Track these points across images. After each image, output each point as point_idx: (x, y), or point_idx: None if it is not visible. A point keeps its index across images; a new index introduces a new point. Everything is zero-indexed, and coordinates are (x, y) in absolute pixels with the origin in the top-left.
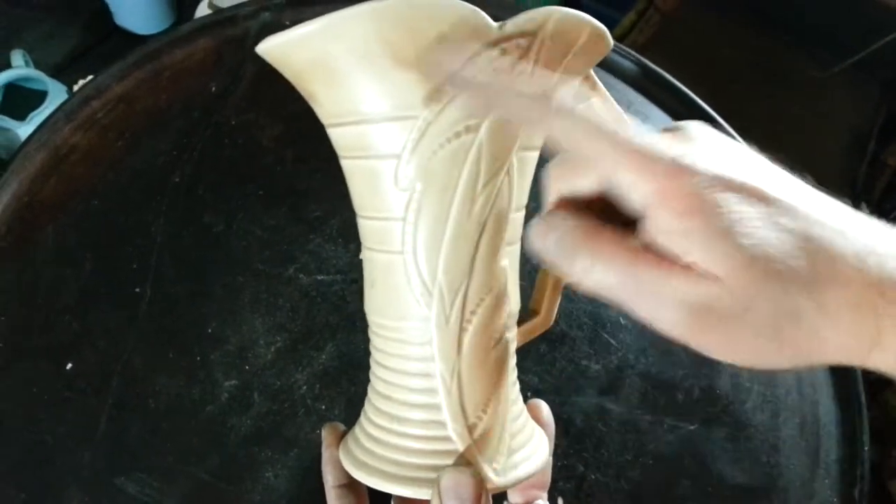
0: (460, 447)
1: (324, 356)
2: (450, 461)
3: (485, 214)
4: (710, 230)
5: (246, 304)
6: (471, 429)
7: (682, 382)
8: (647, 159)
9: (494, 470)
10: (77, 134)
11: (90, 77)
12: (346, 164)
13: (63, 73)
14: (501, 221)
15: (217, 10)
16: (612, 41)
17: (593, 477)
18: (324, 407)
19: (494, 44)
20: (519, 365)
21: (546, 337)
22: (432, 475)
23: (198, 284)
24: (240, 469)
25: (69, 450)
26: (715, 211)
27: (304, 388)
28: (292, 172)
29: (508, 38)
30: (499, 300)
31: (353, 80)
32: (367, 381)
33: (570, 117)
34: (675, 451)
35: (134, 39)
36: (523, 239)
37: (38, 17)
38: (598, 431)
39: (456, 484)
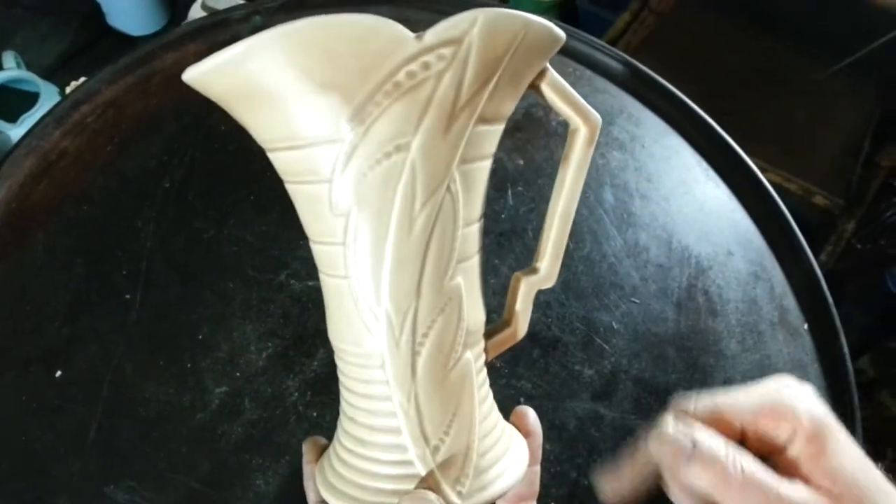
0: (422, 472)
1: (315, 363)
2: (412, 486)
3: (427, 235)
4: None
5: (237, 311)
6: (433, 452)
7: (675, 387)
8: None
9: (459, 493)
10: (67, 139)
11: (82, 79)
12: (288, 188)
13: (55, 74)
14: (448, 240)
15: (209, 14)
16: (560, 33)
17: (586, 483)
18: (315, 414)
19: (415, 57)
20: (511, 371)
21: (539, 342)
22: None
23: (188, 290)
24: (230, 476)
25: (59, 458)
26: None
27: (296, 394)
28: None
29: (429, 49)
30: (453, 320)
31: (274, 106)
32: None
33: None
34: None
35: (127, 41)
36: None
37: (31, 18)
38: (591, 437)
39: None
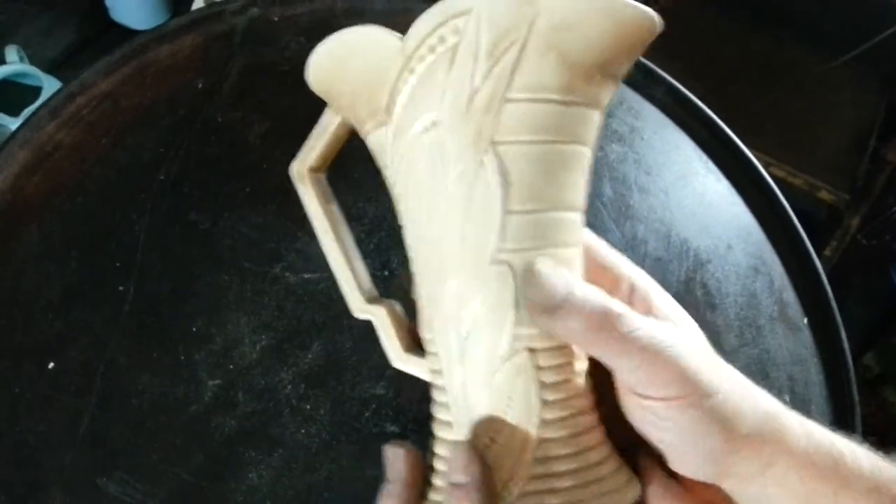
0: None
1: (310, 355)
2: None
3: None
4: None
5: (231, 303)
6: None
7: None
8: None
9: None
10: (62, 131)
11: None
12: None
13: (58, 69)
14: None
15: (205, 6)
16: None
17: None
18: (309, 407)
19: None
20: None
21: None
22: None
23: (183, 283)
24: (223, 469)
25: (51, 450)
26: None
27: (290, 387)
28: (279, 170)
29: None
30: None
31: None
32: (353, 380)
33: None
34: None
35: (130, 35)
36: None
37: (34, 12)
38: None
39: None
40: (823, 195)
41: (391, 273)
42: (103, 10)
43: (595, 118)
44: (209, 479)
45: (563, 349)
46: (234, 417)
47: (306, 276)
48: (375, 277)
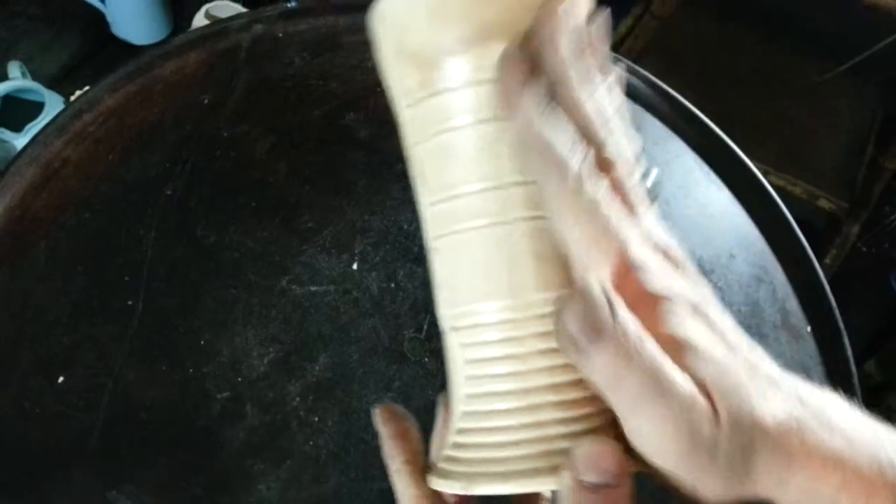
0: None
1: (317, 367)
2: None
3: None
4: None
5: (238, 317)
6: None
7: None
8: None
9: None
10: (69, 147)
11: (86, 88)
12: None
13: (60, 84)
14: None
15: (210, 23)
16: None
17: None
18: (317, 419)
19: None
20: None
21: None
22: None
23: (190, 297)
24: (232, 482)
25: (60, 464)
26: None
27: (297, 399)
28: (284, 184)
29: None
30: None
31: None
32: (360, 391)
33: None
34: None
35: (131, 50)
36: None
37: (35, 28)
38: None
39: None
40: (823, 203)
41: (397, 285)
42: (104, 25)
43: (457, 97)
44: (218, 492)
45: (481, 329)
46: (242, 430)
47: (312, 288)
48: (382, 289)
